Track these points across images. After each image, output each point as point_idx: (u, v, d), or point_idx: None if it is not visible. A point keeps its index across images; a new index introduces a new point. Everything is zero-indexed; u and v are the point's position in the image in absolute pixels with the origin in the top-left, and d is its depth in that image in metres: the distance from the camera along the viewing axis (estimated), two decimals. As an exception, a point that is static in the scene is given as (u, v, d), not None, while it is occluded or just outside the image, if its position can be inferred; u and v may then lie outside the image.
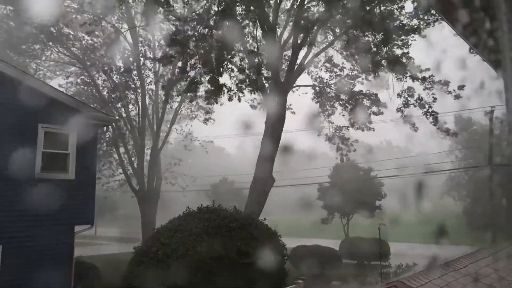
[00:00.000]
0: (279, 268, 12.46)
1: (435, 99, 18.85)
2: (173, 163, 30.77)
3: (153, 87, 27.35)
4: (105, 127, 23.88)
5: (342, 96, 22.26)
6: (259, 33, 18.71)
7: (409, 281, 6.04)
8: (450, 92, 18.80)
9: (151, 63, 26.45)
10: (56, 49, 25.36)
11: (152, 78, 27.08)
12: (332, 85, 22.85)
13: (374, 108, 21.44)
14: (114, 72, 26.11)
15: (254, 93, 19.81)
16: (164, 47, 23.80)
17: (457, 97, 18.58)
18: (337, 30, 20.81)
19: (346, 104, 22.00)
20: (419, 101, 19.23)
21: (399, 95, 19.67)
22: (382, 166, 31.56)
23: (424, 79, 18.82)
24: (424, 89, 19.08)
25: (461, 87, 18.22)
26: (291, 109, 22.93)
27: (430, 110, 19.07)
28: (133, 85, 26.50)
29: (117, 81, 26.28)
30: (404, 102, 19.63)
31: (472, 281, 6.89)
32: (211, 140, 33.56)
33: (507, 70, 0.93)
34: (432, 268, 7.01)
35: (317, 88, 23.13)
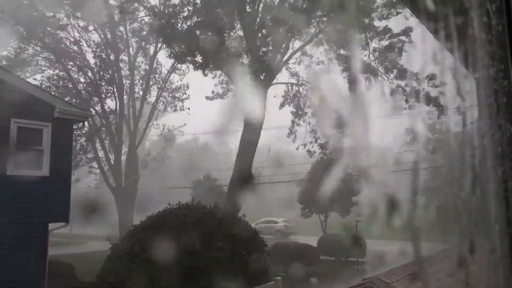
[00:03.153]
0: (259, 265, 12.50)
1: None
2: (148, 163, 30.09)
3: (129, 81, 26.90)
4: (81, 123, 23.32)
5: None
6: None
7: (384, 276, 6.16)
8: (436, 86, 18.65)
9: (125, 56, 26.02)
10: (33, 43, 24.52)
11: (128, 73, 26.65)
12: (306, 83, 22.92)
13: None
14: (91, 65, 25.54)
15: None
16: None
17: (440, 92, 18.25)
18: (316, 27, 20.95)
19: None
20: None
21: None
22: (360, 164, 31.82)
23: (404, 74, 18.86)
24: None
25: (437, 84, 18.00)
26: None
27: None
28: (108, 78, 25.98)
29: (92, 75, 25.74)
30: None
31: (445, 276, 7.07)
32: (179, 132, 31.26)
33: (478, 69, 0.94)
34: (407, 263, 7.17)
35: (293, 86, 23.20)
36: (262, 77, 19.63)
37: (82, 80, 26.00)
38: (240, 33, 18.94)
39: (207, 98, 22.66)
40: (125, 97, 26.78)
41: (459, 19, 1.01)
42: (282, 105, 22.84)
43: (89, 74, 25.70)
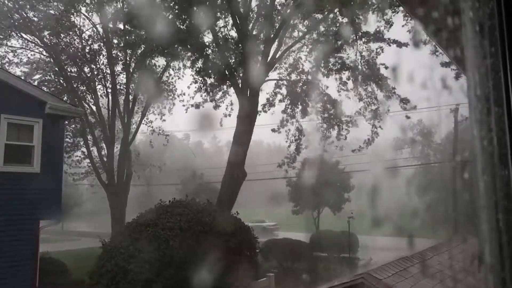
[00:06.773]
0: (251, 262, 12.54)
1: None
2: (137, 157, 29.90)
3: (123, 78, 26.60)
4: (72, 119, 23.08)
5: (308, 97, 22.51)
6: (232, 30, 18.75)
7: (376, 272, 6.21)
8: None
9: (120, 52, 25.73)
10: (19, 35, 23.99)
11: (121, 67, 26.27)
12: (299, 84, 22.97)
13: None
14: (81, 60, 25.16)
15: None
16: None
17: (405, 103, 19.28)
18: (304, 26, 21.07)
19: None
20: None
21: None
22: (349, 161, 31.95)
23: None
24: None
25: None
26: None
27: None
28: (101, 75, 25.72)
29: (85, 70, 25.44)
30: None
31: (435, 272, 7.16)
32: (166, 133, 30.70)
33: (469, 67, 0.95)
34: (398, 260, 7.24)
35: (285, 84, 23.23)
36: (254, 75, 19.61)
37: (74, 74, 25.63)
38: (233, 32, 18.88)
39: (211, 100, 22.61)
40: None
41: (452, 19, 1.03)
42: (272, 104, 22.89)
43: (81, 67, 25.34)
